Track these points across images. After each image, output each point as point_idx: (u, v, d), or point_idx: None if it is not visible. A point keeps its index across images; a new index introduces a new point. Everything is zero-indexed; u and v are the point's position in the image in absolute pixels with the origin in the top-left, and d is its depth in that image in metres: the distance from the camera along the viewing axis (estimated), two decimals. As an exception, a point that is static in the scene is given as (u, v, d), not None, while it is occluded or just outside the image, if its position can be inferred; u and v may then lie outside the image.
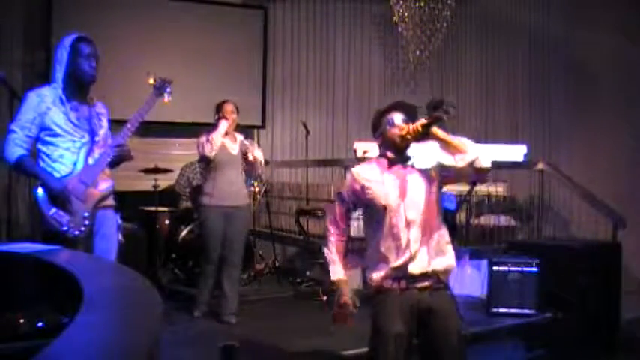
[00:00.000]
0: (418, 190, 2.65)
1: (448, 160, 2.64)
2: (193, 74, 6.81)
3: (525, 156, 6.66)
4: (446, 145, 2.63)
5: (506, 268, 4.98)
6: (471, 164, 2.60)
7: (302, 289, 5.83)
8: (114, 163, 3.23)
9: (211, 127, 4.59)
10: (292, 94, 8.32)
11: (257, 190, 6.59)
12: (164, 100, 3.35)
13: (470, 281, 5.56)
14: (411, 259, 2.61)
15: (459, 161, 2.60)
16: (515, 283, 4.92)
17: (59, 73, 3.10)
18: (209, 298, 4.65)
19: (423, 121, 2.62)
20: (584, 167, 7.28)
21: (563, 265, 5.10)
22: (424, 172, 2.69)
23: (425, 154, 2.76)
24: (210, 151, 4.39)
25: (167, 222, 6.01)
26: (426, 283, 2.63)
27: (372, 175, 2.72)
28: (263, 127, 7.95)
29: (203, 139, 4.47)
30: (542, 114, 8.61)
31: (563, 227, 7.21)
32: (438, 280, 2.66)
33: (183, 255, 5.79)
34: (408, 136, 2.62)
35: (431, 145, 2.71)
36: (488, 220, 6.40)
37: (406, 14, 7.37)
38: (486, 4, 8.61)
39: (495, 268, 5.00)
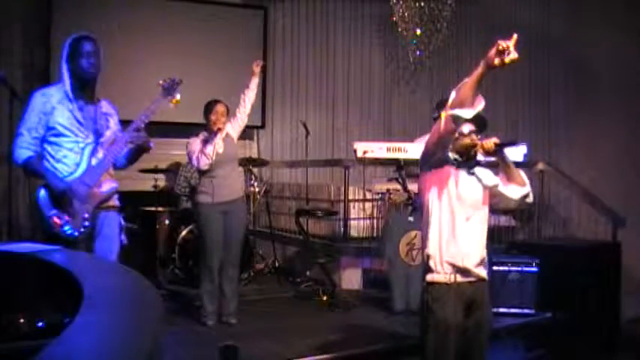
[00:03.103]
0: (475, 195, 2.87)
1: (502, 184, 2.91)
2: (193, 74, 6.78)
3: (525, 156, 6.65)
4: (507, 171, 2.91)
5: (506, 268, 4.98)
6: (523, 197, 2.91)
7: (302, 289, 5.83)
8: (132, 156, 3.25)
9: (202, 128, 4.57)
10: (292, 94, 8.33)
11: (257, 190, 6.59)
12: (174, 100, 3.35)
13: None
14: (467, 254, 2.79)
15: (514, 190, 2.91)
16: (515, 283, 4.93)
17: (64, 72, 3.12)
18: (217, 305, 4.59)
19: (496, 140, 2.84)
20: (584, 167, 7.28)
21: (563, 265, 5.10)
22: (482, 184, 2.91)
23: (485, 172, 2.97)
24: (205, 165, 4.40)
25: (167, 222, 6.01)
26: (473, 279, 2.82)
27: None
28: (263, 127, 7.95)
29: (195, 149, 4.44)
30: (542, 114, 8.61)
31: (563, 227, 7.20)
32: (481, 276, 2.86)
33: (183, 255, 5.79)
34: (479, 149, 2.85)
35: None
36: (488, 220, 6.39)
37: (406, 14, 7.36)
38: (486, 4, 8.61)
39: (495, 268, 5.00)
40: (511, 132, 8.56)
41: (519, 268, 4.96)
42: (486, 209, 2.92)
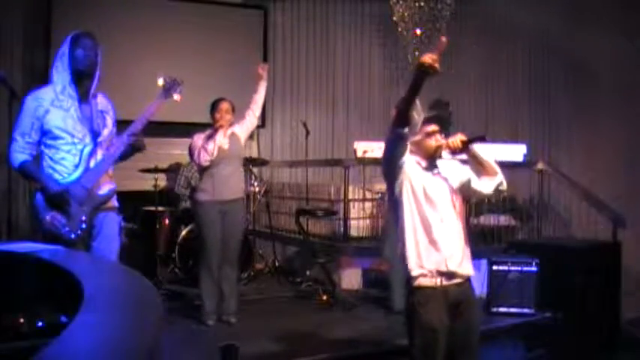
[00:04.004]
0: (444, 195, 2.80)
1: (474, 179, 2.84)
2: (193, 74, 6.76)
3: (525, 156, 6.65)
4: (479, 165, 2.82)
5: (506, 268, 4.98)
6: (497, 187, 2.83)
7: (302, 289, 5.83)
8: (127, 154, 3.25)
9: (206, 128, 4.58)
10: (292, 94, 8.33)
11: (257, 190, 6.59)
12: (175, 99, 3.38)
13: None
14: (450, 256, 2.75)
15: (487, 184, 2.82)
16: (514, 282, 4.93)
17: (63, 70, 3.09)
18: (216, 304, 4.60)
19: (463, 137, 2.76)
20: (584, 167, 7.27)
21: (563, 265, 5.10)
22: (449, 183, 2.84)
23: (451, 167, 2.91)
24: (205, 161, 4.40)
25: (167, 222, 6.01)
26: (459, 280, 2.79)
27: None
28: (263, 126, 7.95)
29: (198, 144, 4.45)
30: (542, 114, 8.59)
31: (563, 227, 7.20)
32: (467, 275, 2.83)
33: (183, 255, 5.79)
34: (446, 149, 2.78)
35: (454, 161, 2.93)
36: (488, 220, 6.40)
37: (406, 14, 7.36)
38: (486, 4, 8.60)
39: (495, 267, 5.00)
40: (511, 132, 8.56)
41: (519, 268, 4.96)
42: (459, 205, 2.84)
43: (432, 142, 2.80)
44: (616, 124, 7.21)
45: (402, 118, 2.54)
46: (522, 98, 8.75)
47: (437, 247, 2.73)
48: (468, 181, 2.86)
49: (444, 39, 2.43)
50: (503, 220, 6.56)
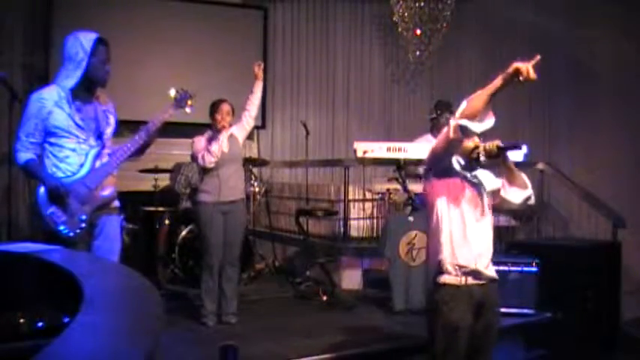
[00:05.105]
0: (481, 197, 2.90)
1: (505, 188, 2.93)
2: (193, 74, 6.80)
3: (525, 156, 6.64)
4: (509, 174, 2.92)
5: (506, 268, 4.97)
6: (525, 200, 2.94)
7: (302, 289, 5.82)
8: (143, 148, 3.29)
9: (206, 129, 4.59)
10: (292, 94, 8.33)
11: (257, 190, 6.59)
12: (187, 112, 3.41)
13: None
14: (479, 255, 2.82)
15: (517, 194, 2.93)
16: (515, 283, 4.92)
17: (73, 72, 3.08)
18: (217, 305, 4.60)
19: (499, 143, 2.85)
20: (584, 167, 7.28)
21: (563, 265, 5.10)
22: (484, 186, 2.93)
23: (486, 174, 2.98)
24: (210, 163, 4.42)
25: (167, 222, 6.00)
26: (483, 281, 2.85)
27: None
28: (263, 127, 7.95)
29: (200, 147, 4.46)
30: (542, 114, 8.60)
31: (563, 227, 7.20)
32: (491, 277, 2.90)
33: (183, 255, 5.79)
34: (482, 151, 2.84)
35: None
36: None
37: (406, 14, 7.36)
38: (486, 4, 8.60)
39: (495, 268, 4.99)
40: (511, 132, 8.55)
41: (519, 268, 4.95)
42: (491, 209, 2.97)
43: (470, 143, 2.87)
44: (616, 124, 7.22)
45: (474, 113, 2.59)
46: (522, 98, 8.75)
47: (469, 244, 2.81)
48: (499, 190, 2.96)
49: (538, 57, 2.46)
50: (503, 220, 6.56)
